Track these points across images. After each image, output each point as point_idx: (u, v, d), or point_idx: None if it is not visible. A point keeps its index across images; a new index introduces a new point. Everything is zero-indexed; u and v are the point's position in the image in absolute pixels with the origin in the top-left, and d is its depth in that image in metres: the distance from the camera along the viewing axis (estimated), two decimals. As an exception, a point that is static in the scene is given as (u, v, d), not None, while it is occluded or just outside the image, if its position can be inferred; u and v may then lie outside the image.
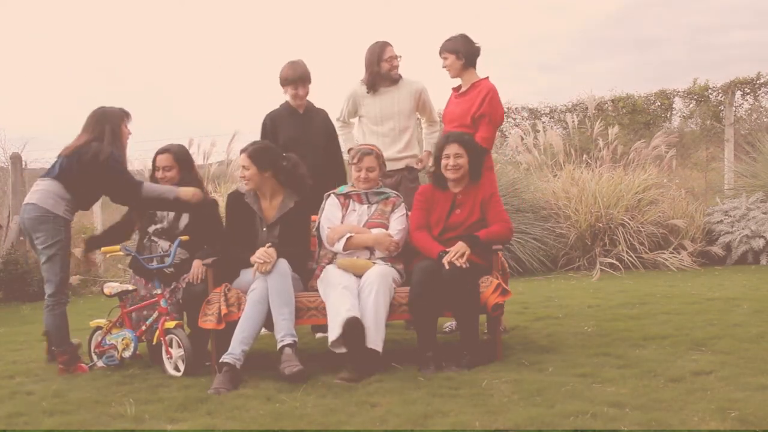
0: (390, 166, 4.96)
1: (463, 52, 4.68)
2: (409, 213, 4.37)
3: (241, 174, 4.24)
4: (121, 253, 4.33)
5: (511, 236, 4.25)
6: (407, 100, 5.09)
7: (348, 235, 4.20)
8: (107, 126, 4.28)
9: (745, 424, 2.79)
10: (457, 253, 3.92)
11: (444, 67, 4.76)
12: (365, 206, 4.37)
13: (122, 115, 4.38)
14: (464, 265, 3.89)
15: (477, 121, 4.60)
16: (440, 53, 4.76)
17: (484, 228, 4.12)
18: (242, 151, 4.27)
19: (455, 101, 4.79)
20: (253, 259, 4.01)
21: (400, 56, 5.09)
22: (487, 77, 4.75)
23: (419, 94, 5.13)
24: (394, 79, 5.08)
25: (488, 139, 4.60)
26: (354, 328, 3.73)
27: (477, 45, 4.72)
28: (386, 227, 4.30)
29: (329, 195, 4.46)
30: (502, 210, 4.21)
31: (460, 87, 4.81)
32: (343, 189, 4.45)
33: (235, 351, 3.79)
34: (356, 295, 3.92)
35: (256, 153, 4.22)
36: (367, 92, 5.12)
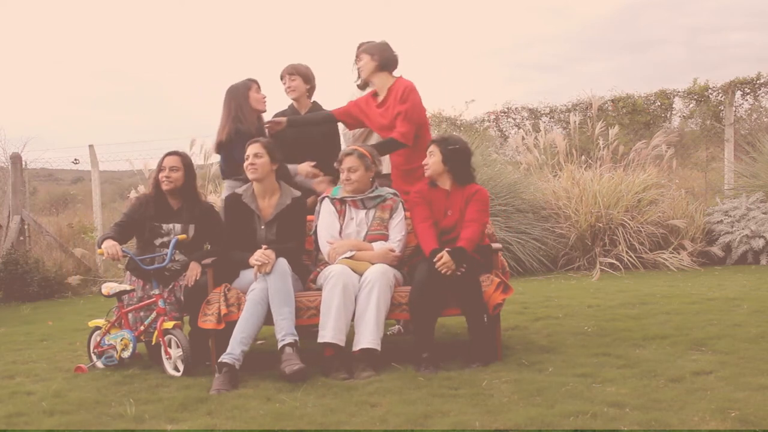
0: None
1: (378, 55, 4.63)
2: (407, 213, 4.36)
3: (251, 161, 4.17)
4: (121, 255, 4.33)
5: (484, 231, 4.19)
6: None
7: (350, 253, 4.14)
8: (233, 103, 4.74)
9: (745, 424, 2.79)
10: (444, 265, 3.89)
11: (358, 67, 4.75)
12: (362, 212, 4.29)
13: (248, 85, 4.78)
14: (457, 272, 3.89)
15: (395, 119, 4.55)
16: (356, 56, 4.75)
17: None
18: (256, 140, 4.25)
19: (378, 111, 4.69)
20: (251, 261, 4.01)
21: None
22: (401, 76, 4.69)
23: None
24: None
25: (406, 134, 4.50)
26: (338, 355, 3.86)
27: (395, 53, 4.69)
28: (387, 238, 4.24)
29: (323, 199, 4.37)
30: (478, 208, 4.13)
31: (376, 94, 4.73)
32: (337, 192, 4.35)
33: (234, 351, 3.78)
34: (353, 300, 3.93)
35: (270, 145, 4.26)
36: (358, 87, 5.10)
